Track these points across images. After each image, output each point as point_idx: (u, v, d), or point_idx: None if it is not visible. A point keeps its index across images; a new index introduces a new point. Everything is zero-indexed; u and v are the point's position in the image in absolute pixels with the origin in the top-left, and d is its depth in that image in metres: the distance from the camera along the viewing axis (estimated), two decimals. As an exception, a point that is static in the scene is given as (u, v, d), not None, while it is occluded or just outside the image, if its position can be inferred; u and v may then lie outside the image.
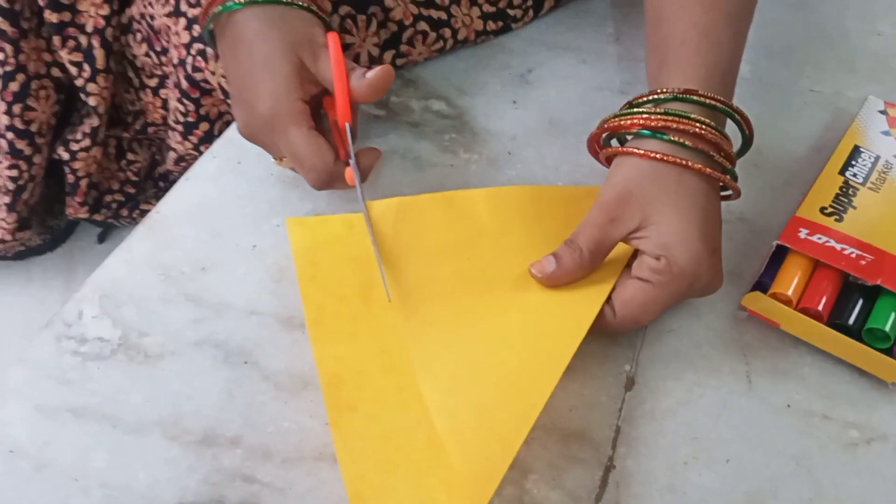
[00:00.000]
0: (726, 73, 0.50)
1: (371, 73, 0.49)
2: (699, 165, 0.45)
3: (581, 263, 0.45)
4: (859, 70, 0.64)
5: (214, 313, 0.49)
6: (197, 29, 0.64)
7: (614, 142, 0.51)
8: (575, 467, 0.43)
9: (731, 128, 0.48)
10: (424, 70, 0.63)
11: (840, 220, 0.49)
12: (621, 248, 0.46)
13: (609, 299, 0.46)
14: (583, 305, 0.45)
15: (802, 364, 0.48)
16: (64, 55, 0.71)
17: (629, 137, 0.49)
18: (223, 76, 0.64)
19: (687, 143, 0.45)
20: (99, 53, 0.71)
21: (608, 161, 0.50)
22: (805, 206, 0.50)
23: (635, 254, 0.46)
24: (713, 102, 0.47)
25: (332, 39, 0.50)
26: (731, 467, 0.44)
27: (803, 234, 0.48)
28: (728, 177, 0.47)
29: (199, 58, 0.64)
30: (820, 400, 0.46)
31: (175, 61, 0.67)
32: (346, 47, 0.60)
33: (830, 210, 0.50)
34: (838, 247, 0.48)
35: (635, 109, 0.47)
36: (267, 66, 0.49)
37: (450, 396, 0.43)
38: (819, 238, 0.48)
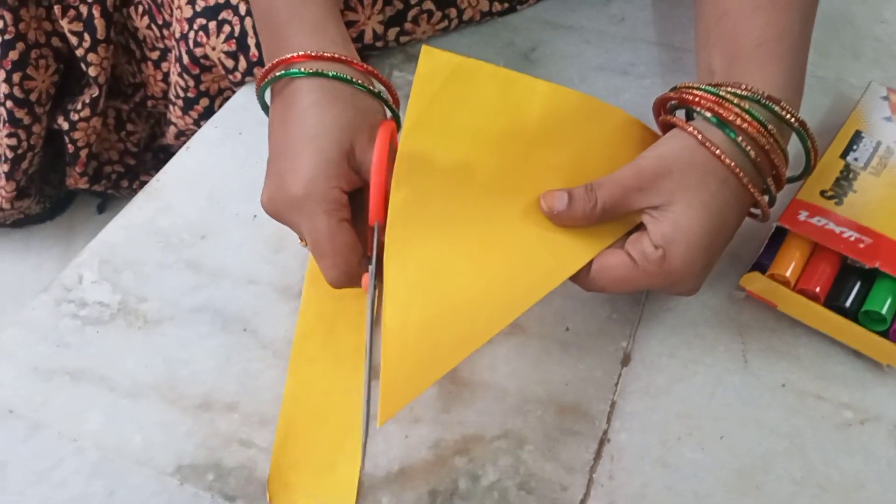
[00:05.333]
0: (800, 83, 0.47)
1: None
2: (748, 181, 0.43)
3: (590, 215, 0.43)
4: (863, 56, 0.64)
5: (212, 280, 0.49)
6: (200, 3, 0.63)
7: (679, 113, 0.48)
8: (570, 440, 0.44)
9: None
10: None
11: (840, 203, 0.49)
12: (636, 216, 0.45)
13: None
14: (574, 252, 0.44)
15: (798, 345, 0.48)
16: (64, 24, 0.71)
17: (695, 116, 0.46)
18: (224, 53, 0.64)
19: (752, 153, 0.43)
20: (99, 23, 0.70)
21: (663, 126, 0.48)
22: (805, 189, 0.50)
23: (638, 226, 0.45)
24: (794, 122, 0.44)
25: (384, 127, 0.44)
26: (723, 444, 0.44)
27: (803, 216, 0.48)
28: (766, 200, 0.45)
29: (200, 33, 0.64)
30: (814, 380, 0.46)
31: (177, 35, 0.66)
32: (349, 25, 0.59)
33: (831, 193, 0.50)
34: (837, 230, 0.48)
35: (722, 92, 0.44)
36: (314, 142, 0.43)
37: (408, 292, 0.41)
38: (818, 221, 0.48)
